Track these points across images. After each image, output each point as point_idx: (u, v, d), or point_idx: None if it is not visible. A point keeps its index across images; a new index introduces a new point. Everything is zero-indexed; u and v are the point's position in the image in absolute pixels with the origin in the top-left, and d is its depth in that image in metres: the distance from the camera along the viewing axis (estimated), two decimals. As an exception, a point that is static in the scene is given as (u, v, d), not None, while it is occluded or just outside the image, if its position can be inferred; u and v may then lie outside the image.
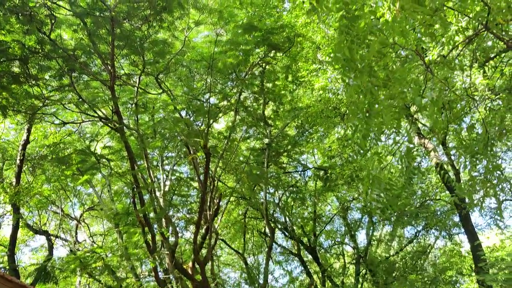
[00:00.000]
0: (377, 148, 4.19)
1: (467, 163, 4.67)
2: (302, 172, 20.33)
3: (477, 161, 4.41)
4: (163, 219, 13.90)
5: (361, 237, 23.19)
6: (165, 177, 15.53)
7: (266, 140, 16.62)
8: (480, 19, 4.01)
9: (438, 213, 17.86)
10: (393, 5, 3.33)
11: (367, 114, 3.57)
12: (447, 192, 14.70)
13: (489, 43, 5.27)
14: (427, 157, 12.55)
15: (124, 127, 11.96)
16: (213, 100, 15.15)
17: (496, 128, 4.87)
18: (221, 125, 17.87)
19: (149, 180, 13.68)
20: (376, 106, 3.56)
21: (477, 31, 4.01)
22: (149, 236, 12.29)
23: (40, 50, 10.97)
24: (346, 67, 3.46)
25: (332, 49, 12.23)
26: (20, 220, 15.71)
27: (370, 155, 4.13)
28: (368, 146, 4.21)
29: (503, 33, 4.65)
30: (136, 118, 13.09)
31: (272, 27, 11.36)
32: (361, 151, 3.99)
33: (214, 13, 11.19)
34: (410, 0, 3.09)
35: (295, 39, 12.01)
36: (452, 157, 12.79)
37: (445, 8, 4.21)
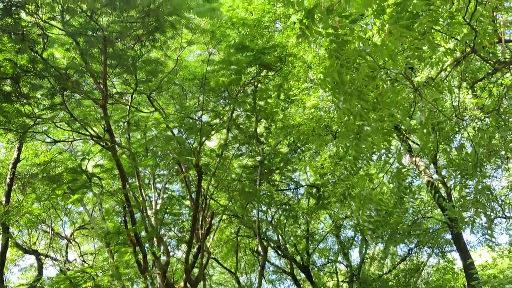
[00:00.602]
0: (368, 168, 4.21)
1: (457, 183, 4.70)
2: (294, 190, 20.32)
3: (467, 181, 4.44)
4: (155, 238, 13.79)
5: (354, 255, 23.13)
6: (156, 195, 15.45)
7: (259, 158, 16.62)
8: (467, 41, 4.08)
9: (431, 230, 17.88)
10: (382, 29, 3.39)
11: (358, 136, 3.60)
12: (439, 209, 14.75)
13: (477, 63, 5.36)
14: (418, 175, 12.62)
15: (116, 146, 11.93)
16: (205, 118, 15.21)
17: (485, 149, 4.92)
18: (213, 143, 17.88)
19: (141, 199, 13.60)
20: (366, 128, 3.60)
21: (465, 53, 4.08)
22: (140, 256, 12.17)
23: (32, 69, 10.97)
24: (336, 89, 3.50)
25: (322, 70, 12.37)
26: (10, 239, 15.50)
27: (360, 175, 4.15)
28: (359, 165, 4.23)
29: (490, 55, 4.74)
30: (128, 136, 13.08)
31: (264, 46, 11.47)
32: (353, 170, 4.01)
33: (207, 33, 11.29)
34: (398, 25, 3.16)
35: (287, 59, 12.12)
36: (443, 173, 12.88)
37: (433, 30, 4.28)
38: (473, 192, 4.25)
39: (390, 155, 4.83)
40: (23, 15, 10.35)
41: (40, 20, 10.21)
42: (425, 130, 3.50)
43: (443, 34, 4.59)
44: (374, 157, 4.51)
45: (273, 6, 10.70)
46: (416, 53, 3.44)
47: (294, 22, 10.77)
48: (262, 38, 11.52)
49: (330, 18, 3.33)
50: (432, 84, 3.71)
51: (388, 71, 3.56)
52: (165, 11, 8.63)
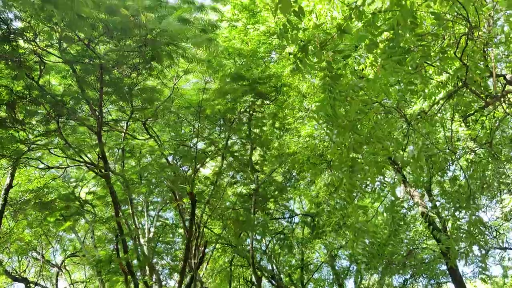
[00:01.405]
0: (363, 199, 4.20)
1: (450, 215, 4.69)
2: (289, 219, 20.18)
3: (460, 214, 4.44)
4: (147, 267, 13.58)
5: (350, 286, 22.82)
6: (149, 223, 15.31)
7: (253, 186, 16.55)
8: (459, 75, 4.14)
9: (426, 261, 17.71)
10: (375, 63, 3.44)
11: (351, 169, 3.61)
12: (435, 240, 14.66)
13: (470, 96, 5.42)
14: (413, 206, 12.60)
15: (110, 173, 11.87)
16: (200, 145, 15.20)
17: (478, 182, 4.93)
18: (207, 170, 17.83)
19: (133, 226, 13.45)
20: (360, 160, 3.60)
21: (457, 87, 4.14)
22: (132, 285, 11.95)
23: (28, 95, 11.00)
24: (330, 122, 3.52)
25: (317, 100, 12.48)
26: (-1, 267, 15.22)
27: (354, 205, 4.14)
28: (354, 196, 4.21)
29: (482, 88, 4.80)
30: (122, 164, 13.04)
31: (260, 76, 11.58)
32: (348, 201, 3.99)
33: (203, 63, 11.41)
34: (390, 60, 3.21)
35: (282, 88, 12.24)
36: (438, 203, 12.84)
37: (425, 65, 4.35)
38: (466, 224, 4.24)
39: (384, 186, 4.83)
40: (20, 42, 10.45)
41: (37, 48, 10.30)
42: (418, 164, 3.51)
43: (435, 68, 4.66)
44: (369, 189, 4.50)
45: (268, 37, 10.86)
46: (408, 87, 3.48)
47: (290, 53, 10.93)
48: (258, 68, 11.65)
49: (323, 53, 3.38)
50: (425, 118, 3.74)
51: (382, 103, 3.59)
52: (162, 41, 8.73)
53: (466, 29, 3.93)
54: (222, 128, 14.49)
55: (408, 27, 3.19)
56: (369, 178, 3.69)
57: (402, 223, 4.64)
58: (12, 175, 14.88)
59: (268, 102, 12.72)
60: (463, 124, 5.04)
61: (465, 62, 3.80)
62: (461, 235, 4.19)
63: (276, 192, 17.73)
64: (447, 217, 4.35)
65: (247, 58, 11.22)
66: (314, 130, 13.41)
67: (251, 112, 14.34)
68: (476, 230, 4.11)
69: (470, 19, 3.63)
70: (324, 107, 3.43)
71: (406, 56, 3.29)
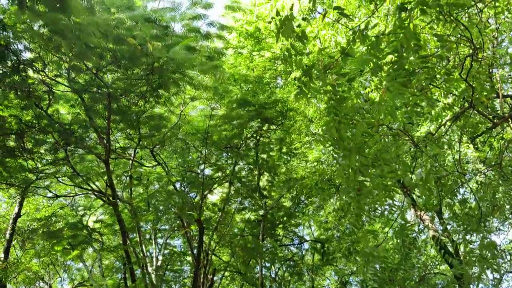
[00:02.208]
0: (372, 223, 4.13)
1: (461, 239, 4.60)
2: (298, 245, 19.91)
3: (471, 237, 4.35)
4: (155, 296, 13.39)
5: (361, 313, 22.30)
6: (157, 251, 15.18)
7: (261, 212, 16.42)
8: (465, 97, 4.12)
9: (439, 286, 17.29)
10: (379, 86, 3.44)
11: (359, 193, 3.56)
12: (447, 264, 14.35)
13: (477, 117, 5.39)
14: (424, 230, 12.40)
15: (118, 200, 11.87)
16: (207, 171, 15.17)
17: (488, 204, 4.85)
18: (215, 196, 17.76)
19: (141, 255, 13.34)
20: (367, 183, 3.56)
21: (463, 108, 4.11)
22: (140, 315, 11.78)
23: (37, 125, 11.12)
24: (336, 145, 3.50)
25: (322, 126, 12.49)
26: (6, 297, 15.08)
27: (364, 230, 4.07)
28: (363, 221, 4.14)
29: (489, 109, 4.77)
30: (130, 191, 13.03)
31: (265, 101, 11.64)
32: (357, 226, 3.93)
33: (209, 89, 11.51)
34: (395, 82, 3.20)
35: (288, 113, 12.27)
36: (449, 227, 12.62)
37: (431, 86, 4.33)
38: (478, 248, 4.14)
39: (394, 209, 4.77)
40: (30, 72, 10.63)
41: (46, 78, 10.47)
42: (426, 186, 3.46)
43: (441, 90, 4.65)
44: (377, 213, 4.44)
45: (273, 63, 10.96)
46: (414, 109, 3.47)
47: (295, 78, 11.00)
48: (264, 93, 11.72)
49: (328, 76, 3.39)
50: (432, 139, 3.71)
51: (388, 126, 3.57)
52: (169, 69, 8.83)
53: (470, 50, 3.93)
54: (229, 154, 14.50)
55: (412, 49, 3.20)
56: (377, 202, 3.64)
57: (412, 247, 4.56)
58: (21, 204, 14.93)
59: (274, 127, 12.74)
60: (471, 146, 4.99)
61: (471, 83, 3.79)
62: (474, 259, 4.10)
63: (285, 218, 17.56)
64: (459, 241, 4.26)
65: (253, 84, 11.30)
66: (321, 155, 13.36)
67: (258, 137, 14.36)
68: (488, 254, 4.01)
69: (474, 41, 3.64)
70: (330, 129, 3.42)
71: (411, 78, 3.29)
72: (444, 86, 3.95)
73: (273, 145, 14.88)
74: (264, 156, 15.27)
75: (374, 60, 3.57)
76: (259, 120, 12.40)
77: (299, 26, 3.20)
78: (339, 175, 3.41)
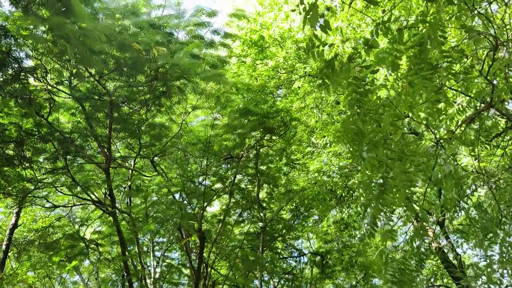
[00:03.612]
0: (389, 227, 4.02)
1: (477, 244, 4.49)
2: (298, 258, 19.69)
3: (490, 242, 4.24)
4: (153, 309, 13.14)
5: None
6: (155, 263, 14.94)
7: (261, 224, 16.25)
8: (483, 97, 4.06)
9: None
10: (401, 80, 3.37)
11: (382, 188, 3.46)
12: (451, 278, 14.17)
13: (488, 122, 5.32)
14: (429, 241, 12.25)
15: (117, 211, 11.69)
16: (207, 183, 15.01)
17: (505, 208, 4.76)
18: (214, 207, 17.60)
19: (139, 267, 13.10)
20: (391, 180, 3.46)
21: (481, 108, 4.04)
22: (138, 328, 11.52)
23: (37, 133, 10.98)
24: (357, 141, 3.41)
25: (326, 133, 12.41)
26: (0, 310, 14.73)
27: (382, 232, 3.96)
28: (379, 225, 4.02)
29: (505, 110, 4.70)
30: (129, 201, 12.86)
31: (268, 111, 11.59)
32: (373, 231, 3.81)
33: (212, 98, 11.46)
34: (419, 75, 3.13)
35: (291, 123, 12.22)
36: (452, 236, 12.49)
37: (446, 88, 4.27)
38: (498, 252, 4.03)
39: (405, 214, 4.68)
40: (31, 80, 10.53)
41: (47, 85, 10.36)
42: (453, 182, 3.36)
43: (456, 92, 4.59)
44: (394, 218, 4.33)
45: (276, 72, 10.94)
46: (434, 107, 3.39)
47: (299, 87, 10.97)
48: (267, 103, 11.68)
49: (350, 68, 3.32)
50: (454, 137, 3.62)
51: (414, 119, 3.49)
52: (173, 75, 8.76)
53: (491, 46, 3.88)
54: (230, 165, 14.38)
55: (438, 41, 3.14)
56: (396, 202, 3.53)
57: (428, 252, 4.43)
58: (18, 215, 14.67)
59: (276, 137, 12.66)
60: (488, 147, 4.92)
61: (491, 81, 3.73)
62: (493, 263, 3.99)
63: (284, 231, 17.40)
64: (475, 244, 4.15)
65: (256, 93, 11.26)
66: (322, 166, 13.27)
67: (258, 148, 14.27)
68: (509, 258, 3.90)
69: (496, 35, 3.58)
70: (351, 123, 3.32)
71: (433, 72, 3.22)
72: (463, 84, 3.88)
73: (274, 156, 14.79)
74: (264, 167, 15.17)
75: (394, 55, 3.50)
76: (261, 130, 12.33)
77: (322, 16, 3.13)
78: (365, 169, 3.31)
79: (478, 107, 4.30)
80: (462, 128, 4.32)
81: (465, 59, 4.05)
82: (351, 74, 3.36)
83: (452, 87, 4.43)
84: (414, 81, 3.13)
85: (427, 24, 3.10)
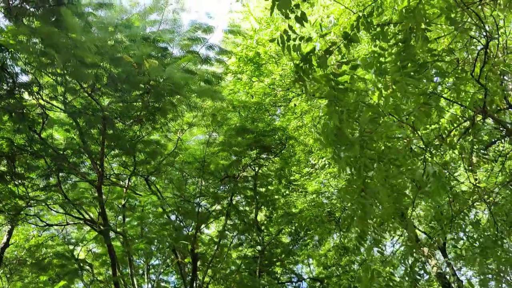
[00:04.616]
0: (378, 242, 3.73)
1: (472, 259, 4.20)
2: (297, 283, 19.16)
3: (486, 258, 3.96)
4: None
5: None
6: (150, 287, 14.57)
7: (259, 248, 15.88)
8: (475, 101, 3.83)
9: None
10: (384, 80, 3.16)
11: (362, 194, 3.20)
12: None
13: (483, 132, 5.08)
14: (428, 264, 11.87)
15: (110, 230, 11.42)
16: (204, 204, 14.72)
17: (501, 224, 4.48)
18: (211, 230, 17.28)
19: (133, 289, 12.73)
20: (372, 182, 3.20)
21: (472, 115, 3.81)
22: None
23: (29, 148, 10.80)
24: (337, 143, 3.18)
25: (324, 154, 12.17)
26: (-12, 333, 14.28)
27: (368, 246, 3.68)
28: (367, 241, 3.75)
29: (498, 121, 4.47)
30: (123, 220, 12.58)
31: (265, 129, 11.40)
32: (359, 244, 3.54)
33: (207, 114, 11.32)
34: (402, 72, 2.89)
35: (288, 142, 12.01)
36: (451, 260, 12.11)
37: (438, 96, 4.05)
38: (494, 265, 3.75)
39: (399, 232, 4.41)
40: (25, 94, 10.43)
41: (41, 100, 10.25)
42: (440, 184, 3.09)
43: (448, 101, 4.36)
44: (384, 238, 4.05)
45: (273, 90, 10.79)
46: (422, 109, 3.16)
47: (295, 104, 10.80)
48: (263, 122, 11.50)
49: (329, 61, 3.12)
50: (443, 142, 3.37)
51: (396, 117, 3.25)
52: (165, 89, 8.60)
53: (482, 44, 3.67)
54: (227, 186, 14.13)
55: (422, 32, 2.93)
56: (382, 208, 3.27)
57: (422, 271, 4.13)
58: (10, 233, 14.36)
59: (273, 156, 12.43)
60: (481, 158, 4.65)
61: (483, 84, 3.50)
62: (489, 280, 3.69)
63: (283, 255, 16.99)
64: (470, 260, 3.86)
65: (252, 111, 11.09)
66: (321, 187, 13.00)
67: (256, 168, 14.02)
68: (507, 271, 3.61)
69: (487, 31, 3.38)
70: (330, 120, 3.09)
71: (419, 71, 3.00)
72: (454, 91, 3.65)
73: (272, 178, 14.52)
74: (263, 189, 14.89)
75: (377, 65, 3.30)
76: (258, 149, 12.12)
77: (298, 6, 2.95)
78: (341, 169, 3.06)
79: (471, 117, 4.06)
80: (453, 136, 4.08)
81: (455, 62, 3.83)
82: (329, 69, 3.17)
83: (443, 95, 4.21)
84: (396, 78, 2.92)
85: (411, 15, 2.90)
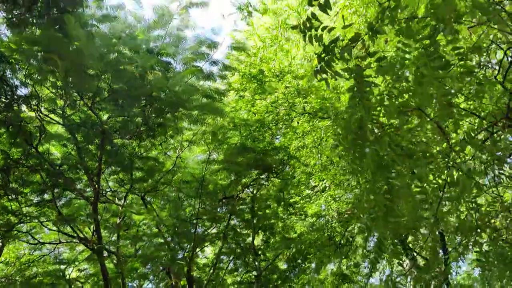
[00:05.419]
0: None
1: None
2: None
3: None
4: None
5: None
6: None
7: (255, 273, 15.49)
8: (495, 112, 3.67)
9: None
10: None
11: (388, 196, 2.97)
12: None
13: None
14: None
15: (104, 250, 11.09)
16: (200, 230, 14.38)
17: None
18: (206, 253, 16.93)
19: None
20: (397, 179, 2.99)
21: (493, 121, 3.64)
22: None
23: (25, 162, 10.56)
24: (359, 141, 2.98)
25: (325, 176, 11.96)
26: None
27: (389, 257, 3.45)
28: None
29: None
30: (117, 238, 12.23)
31: (266, 148, 11.23)
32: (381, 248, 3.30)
33: (208, 134, 11.18)
34: (429, 66, 2.74)
35: (289, 161, 11.82)
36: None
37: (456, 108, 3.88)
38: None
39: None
40: (23, 107, 10.26)
41: (39, 113, 10.08)
42: (473, 181, 2.90)
43: (467, 112, 4.20)
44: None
45: (275, 108, 10.66)
46: (445, 108, 3.00)
47: (298, 122, 10.66)
48: (264, 140, 11.33)
49: (353, 54, 2.96)
50: (472, 143, 3.19)
51: (424, 111, 3.07)
52: (167, 101, 8.45)
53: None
54: (224, 209, 13.86)
55: (451, 24, 2.79)
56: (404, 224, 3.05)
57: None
58: (0, 251, 13.95)
59: (274, 176, 12.21)
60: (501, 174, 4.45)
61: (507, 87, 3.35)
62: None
63: (279, 281, 16.59)
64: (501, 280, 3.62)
65: (254, 129, 10.93)
66: (321, 210, 12.74)
67: (255, 191, 13.77)
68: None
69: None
70: (353, 114, 2.90)
71: (445, 68, 2.86)
72: (473, 95, 3.50)
73: (271, 200, 14.27)
74: (260, 213, 14.61)
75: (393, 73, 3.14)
76: (258, 169, 11.91)
77: (322, -6, 2.81)
78: (367, 166, 2.85)
79: (490, 127, 3.89)
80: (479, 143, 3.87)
81: (482, 58, 3.69)
82: (352, 62, 3.02)
83: (463, 108, 4.06)
84: (424, 72, 2.77)
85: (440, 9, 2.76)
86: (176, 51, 9.05)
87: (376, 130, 2.99)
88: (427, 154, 3.05)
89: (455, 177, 3.02)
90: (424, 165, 3.02)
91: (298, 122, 10.55)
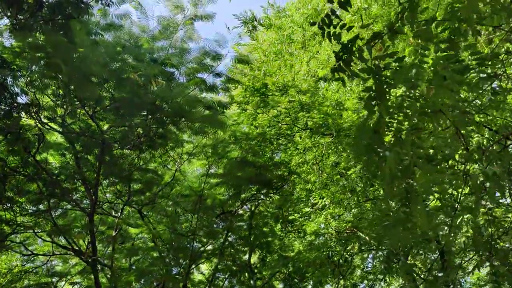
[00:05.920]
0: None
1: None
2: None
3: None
4: None
5: None
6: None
7: (251, 292, 15.19)
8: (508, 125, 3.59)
9: None
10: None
11: (407, 197, 2.87)
12: None
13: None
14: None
15: (98, 263, 10.86)
16: (196, 245, 14.14)
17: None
18: (201, 271, 16.63)
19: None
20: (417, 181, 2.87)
21: (506, 134, 3.55)
22: None
23: (22, 170, 10.39)
24: (374, 146, 2.88)
25: (325, 194, 11.82)
26: None
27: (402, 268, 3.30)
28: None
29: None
30: (112, 251, 12.00)
31: (266, 163, 11.11)
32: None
33: (208, 147, 11.07)
34: (449, 70, 2.67)
35: (289, 177, 11.69)
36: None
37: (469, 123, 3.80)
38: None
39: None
40: (23, 114, 10.15)
41: (39, 121, 9.97)
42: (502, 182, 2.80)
43: (480, 125, 4.12)
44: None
45: (277, 123, 10.59)
46: (465, 118, 2.91)
47: (300, 137, 10.57)
48: (265, 155, 11.23)
49: (372, 52, 2.88)
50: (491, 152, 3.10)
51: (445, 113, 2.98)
52: (170, 111, 8.35)
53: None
54: (223, 225, 13.66)
55: (473, 25, 2.73)
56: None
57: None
58: (-8, 261, 13.68)
59: (274, 191, 12.06)
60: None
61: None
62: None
63: (276, 302, 16.29)
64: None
65: (255, 143, 10.84)
66: (320, 228, 12.57)
67: (253, 208, 13.59)
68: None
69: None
70: (369, 117, 2.80)
71: (463, 72, 2.78)
72: (488, 113, 3.42)
73: (268, 218, 14.08)
74: (257, 231, 14.39)
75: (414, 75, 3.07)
76: (258, 185, 11.76)
77: (343, -8, 2.74)
78: (388, 166, 2.73)
79: (503, 140, 3.80)
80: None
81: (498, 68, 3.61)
82: (370, 62, 2.93)
83: (476, 120, 3.97)
84: (445, 74, 2.69)
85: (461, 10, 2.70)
86: (180, 62, 9.00)
87: (394, 133, 2.89)
88: (449, 160, 2.94)
89: (477, 182, 2.91)
90: (445, 171, 2.92)
91: (300, 137, 10.47)
